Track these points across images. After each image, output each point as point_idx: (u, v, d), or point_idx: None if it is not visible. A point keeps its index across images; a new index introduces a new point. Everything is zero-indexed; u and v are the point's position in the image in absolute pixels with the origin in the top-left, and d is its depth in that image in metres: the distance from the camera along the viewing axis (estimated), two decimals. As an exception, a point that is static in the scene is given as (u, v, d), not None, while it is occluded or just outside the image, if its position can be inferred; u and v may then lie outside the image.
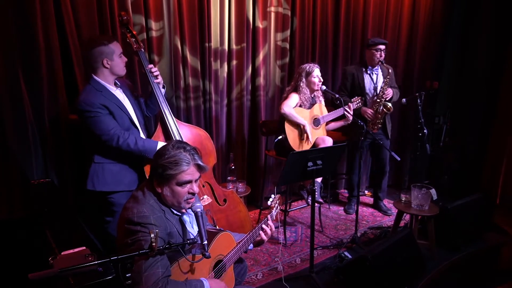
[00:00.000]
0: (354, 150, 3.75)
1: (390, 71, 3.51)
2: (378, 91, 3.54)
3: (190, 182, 1.63)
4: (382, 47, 3.47)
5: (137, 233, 1.52)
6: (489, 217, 3.51)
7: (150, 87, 2.38)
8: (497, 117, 4.08)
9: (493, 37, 4.09)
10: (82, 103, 2.13)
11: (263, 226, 1.94)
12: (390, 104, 3.44)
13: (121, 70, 2.26)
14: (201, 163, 1.65)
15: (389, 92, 3.50)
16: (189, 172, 1.62)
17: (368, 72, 3.58)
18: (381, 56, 3.47)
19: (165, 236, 1.59)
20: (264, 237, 1.94)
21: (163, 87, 2.45)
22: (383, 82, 3.49)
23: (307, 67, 3.21)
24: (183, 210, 1.73)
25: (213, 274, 1.77)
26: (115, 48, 2.21)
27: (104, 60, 2.18)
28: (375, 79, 3.58)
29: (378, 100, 3.48)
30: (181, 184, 1.61)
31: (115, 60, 2.21)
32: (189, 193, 1.64)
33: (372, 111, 3.52)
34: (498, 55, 4.05)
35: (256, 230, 1.94)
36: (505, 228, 3.49)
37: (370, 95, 3.60)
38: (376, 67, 3.58)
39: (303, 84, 3.20)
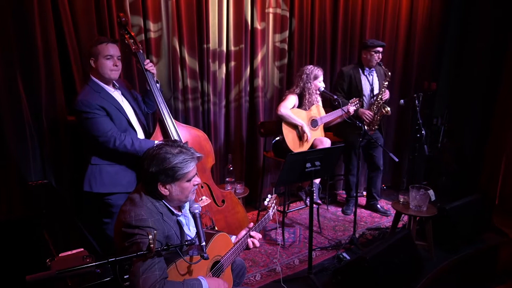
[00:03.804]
0: (351, 151, 3.74)
1: (389, 73, 3.53)
2: (374, 93, 3.55)
3: (195, 175, 1.73)
4: (381, 49, 3.48)
5: (134, 235, 1.52)
6: (487, 218, 3.52)
7: (147, 83, 2.40)
8: (496, 118, 4.08)
9: (491, 38, 4.09)
10: (79, 103, 2.14)
11: (251, 233, 1.95)
12: (388, 108, 3.46)
13: (106, 72, 2.23)
14: (199, 155, 1.74)
15: (387, 94, 3.52)
16: (195, 166, 1.71)
17: (365, 73, 3.59)
18: (379, 58, 3.49)
19: (163, 239, 1.59)
20: (251, 246, 1.95)
21: (157, 82, 2.46)
22: (381, 84, 3.50)
23: (315, 70, 3.21)
24: (186, 205, 1.77)
25: (211, 275, 1.77)
26: (101, 49, 2.20)
27: (91, 60, 2.22)
28: (371, 80, 3.59)
29: (377, 103, 3.48)
30: (190, 179, 1.69)
31: (99, 60, 2.21)
32: (193, 184, 1.73)
33: (370, 112, 3.52)
34: (496, 56, 4.05)
35: (257, 227, 1.99)
36: (503, 229, 3.49)
37: (367, 96, 3.60)
38: (372, 69, 3.60)
39: (310, 86, 3.20)
